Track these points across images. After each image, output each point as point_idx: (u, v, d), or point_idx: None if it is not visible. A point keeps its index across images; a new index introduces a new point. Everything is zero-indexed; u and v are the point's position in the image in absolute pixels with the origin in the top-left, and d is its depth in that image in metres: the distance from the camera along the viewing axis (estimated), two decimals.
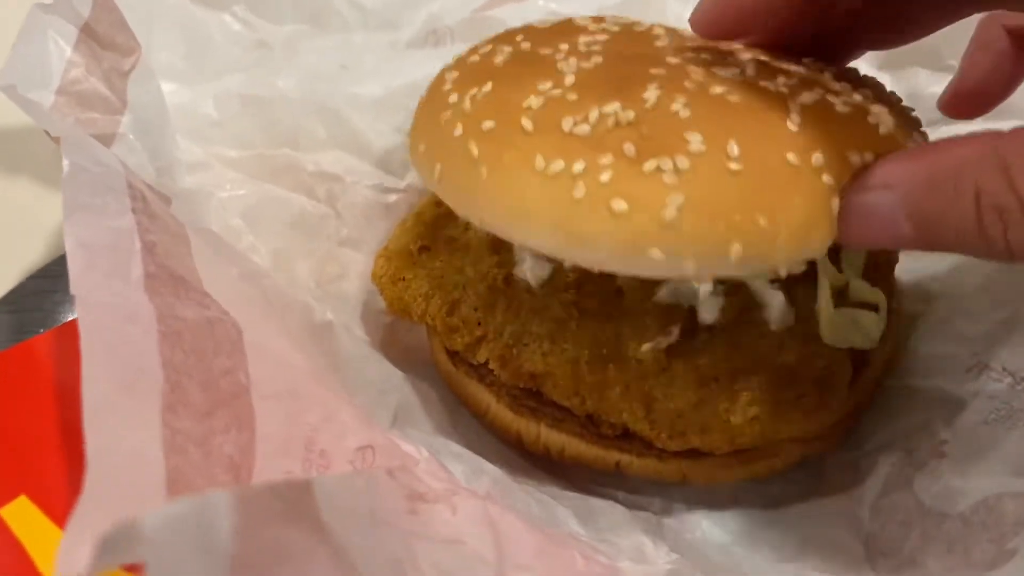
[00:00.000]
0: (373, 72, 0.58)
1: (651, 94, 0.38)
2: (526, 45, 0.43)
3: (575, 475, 0.45)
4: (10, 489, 0.33)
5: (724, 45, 0.43)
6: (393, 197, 0.54)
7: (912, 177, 0.33)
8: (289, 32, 0.60)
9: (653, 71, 0.39)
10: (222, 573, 0.21)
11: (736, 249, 0.35)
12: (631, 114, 0.37)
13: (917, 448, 0.42)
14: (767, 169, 0.36)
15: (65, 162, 0.35)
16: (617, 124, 0.37)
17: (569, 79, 0.39)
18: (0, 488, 0.33)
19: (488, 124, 0.39)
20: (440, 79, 0.45)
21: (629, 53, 0.42)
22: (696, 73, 0.39)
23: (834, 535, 0.42)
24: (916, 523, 0.39)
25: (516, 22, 0.59)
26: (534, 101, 0.39)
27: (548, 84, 0.39)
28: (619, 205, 0.36)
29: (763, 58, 0.42)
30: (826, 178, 0.36)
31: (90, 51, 0.46)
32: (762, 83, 0.39)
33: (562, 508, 0.41)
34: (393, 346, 0.49)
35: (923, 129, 0.43)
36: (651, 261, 0.36)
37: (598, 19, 0.47)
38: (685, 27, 0.45)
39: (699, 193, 0.35)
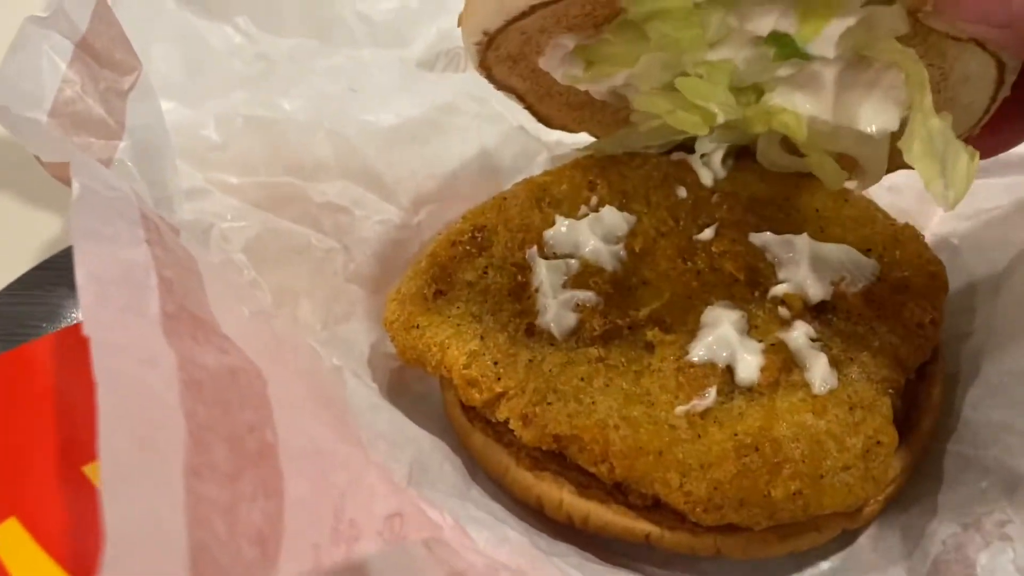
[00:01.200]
0: (385, 97, 0.56)
1: None
2: None
3: (600, 545, 0.43)
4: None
5: None
6: (405, 233, 0.52)
7: None
8: (294, 46, 0.58)
9: None
10: None
11: None
12: None
13: (976, 524, 0.40)
14: None
15: (75, 184, 0.33)
16: None
17: None
18: None
19: None
20: None
21: None
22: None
23: None
24: None
25: None
26: None
27: None
28: None
29: None
30: None
31: (87, 69, 0.44)
32: None
33: None
34: (403, 395, 0.47)
35: None
36: None
37: None
38: None
39: None
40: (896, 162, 0.42)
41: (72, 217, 0.30)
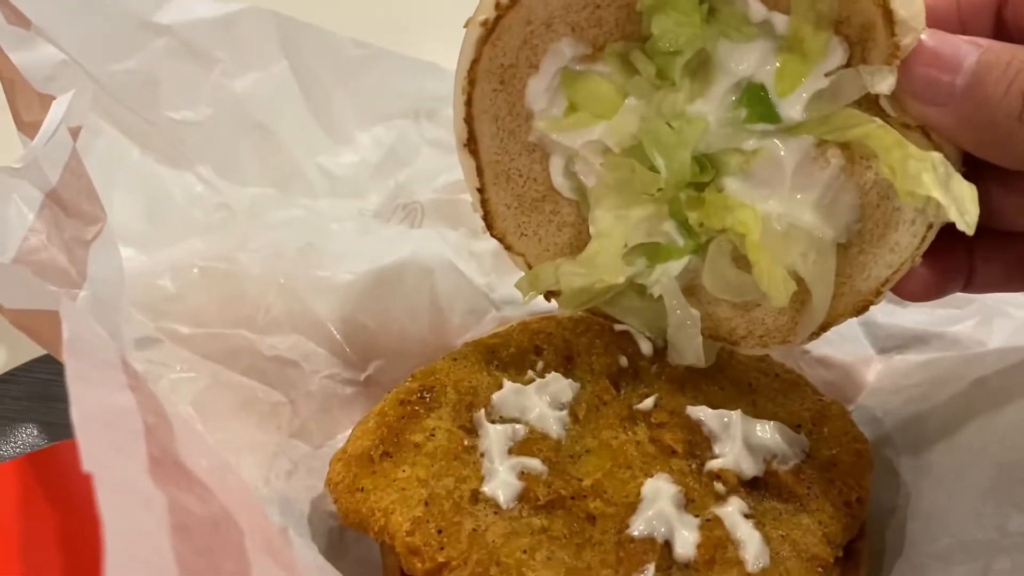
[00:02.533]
0: (340, 252, 0.58)
1: None
2: None
3: None
4: None
5: None
6: (351, 389, 0.54)
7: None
8: (254, 195, 0.61)
9: None
10: None
11: None
12: None
13: None
14: None
15: (65, 328, 0.35)
16: None
17: None
18: None
19: None
20: None
21: None
22: None
23: None
24: None
25: None
26: None
27: None
28: None
29: None
30: None
31: (53, 218, 0.46)
32: None
33: None
34: (343, 558, 0.48)
35: None
36: None
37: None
38: None
39: None
40: (837, 309, 0.46)
41: (66, 361, 0.32)
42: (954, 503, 0.49)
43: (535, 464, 0.46)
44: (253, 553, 0.33)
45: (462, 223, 0.63)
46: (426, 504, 0.45)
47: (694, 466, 0.48)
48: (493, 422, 0.48)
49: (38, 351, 0.58)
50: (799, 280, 0.45)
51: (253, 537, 0.34)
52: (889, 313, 0.60)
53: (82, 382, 0.32)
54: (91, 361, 0.34)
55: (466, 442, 0.48)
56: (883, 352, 0.59)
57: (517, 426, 0.48)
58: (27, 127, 0.50)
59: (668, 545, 0.44)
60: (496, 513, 0.45)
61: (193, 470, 0.34)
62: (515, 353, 0.52)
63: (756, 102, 0.45)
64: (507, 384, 0.50)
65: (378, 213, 0.64)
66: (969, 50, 0.38)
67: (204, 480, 0.34)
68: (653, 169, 0.46)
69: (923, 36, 0.39)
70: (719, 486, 0.47)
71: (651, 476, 0.47)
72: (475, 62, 0.45)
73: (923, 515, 0.50)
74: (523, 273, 0.50)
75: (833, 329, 0.53)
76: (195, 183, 0.59)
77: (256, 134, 0.61)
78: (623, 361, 0.52)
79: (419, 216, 0.64)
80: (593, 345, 0.53)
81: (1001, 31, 0.42)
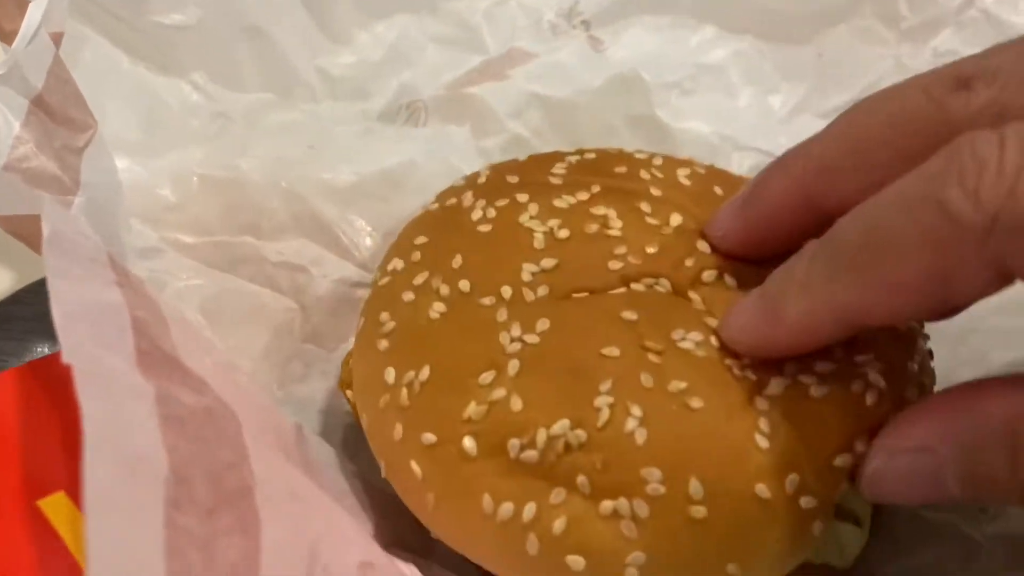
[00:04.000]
0: (343, 154, 0.58)
1: (603, 402, 0.37)
2: (464, 284, 0.42)
3: None
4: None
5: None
6: (362, 292, 0.54)
7: (956, 439, 0.33)
8: (251, 102, 0.60)
9: (605, 351, 0.38)
10: None
11: None
12: (582, 435, 0.37)
13: None
14: (734, 511, 0.36)
15: (45, 227, 0.35)
16: (568, 448, 0.37)
17: (512, 366, 0.39)
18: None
19: (429, 437, 0.39)
20: (373, 326, 0.44)
21: (579, 295, 0.41)
22: (655, 343, 0.39)
23: None
24: None
25: (496, 104, 0.61)
26: (475, 410, 0.38)
27: (490, 376, 0.39)
28: (576, 564, 0.36)
29: (730, 279, 0.42)
30: (804, 501, 0.37)
31: (41, 126, 0.45)
32: (728, 361, 0.38)
33: None
34: (357, 455, 0.48)
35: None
36: None
37: (550, 191, 0.45)
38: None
39: (661, 548, 0.36)
40: None
41: (46, 258, 0.32)
42: None
43: None
44: (252, 444, 0.33)
45: (467, 119, 0.62)
46: None
47: None
48: None
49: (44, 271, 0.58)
50: None
51: (254, 430, 0.34)
52: None
53: (64, 278, 0.32)
54: (75, 258, 0.34)
55: None
56: None
57: None
58: (8, 36, 0.49)
59: None
60: None
61: (188, 364, 0.34)
62: None
63: None
64: None
65: (382, 115, 0.63)
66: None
67: (200, 374, 0.34)
68: None
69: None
70: None
71: None
72: None
73: None
74: None
75: None
76: (190, 91, 0.58)
77: (250, 37, 0.60)
78: None
79: (423, 115, 0.63)
80: None
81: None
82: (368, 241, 0.55)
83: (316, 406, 0.50)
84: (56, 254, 0.33)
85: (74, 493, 0.33)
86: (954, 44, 0.59)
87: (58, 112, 0.47)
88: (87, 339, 0.29)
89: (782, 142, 0.61)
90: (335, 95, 0.63)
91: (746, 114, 0.62)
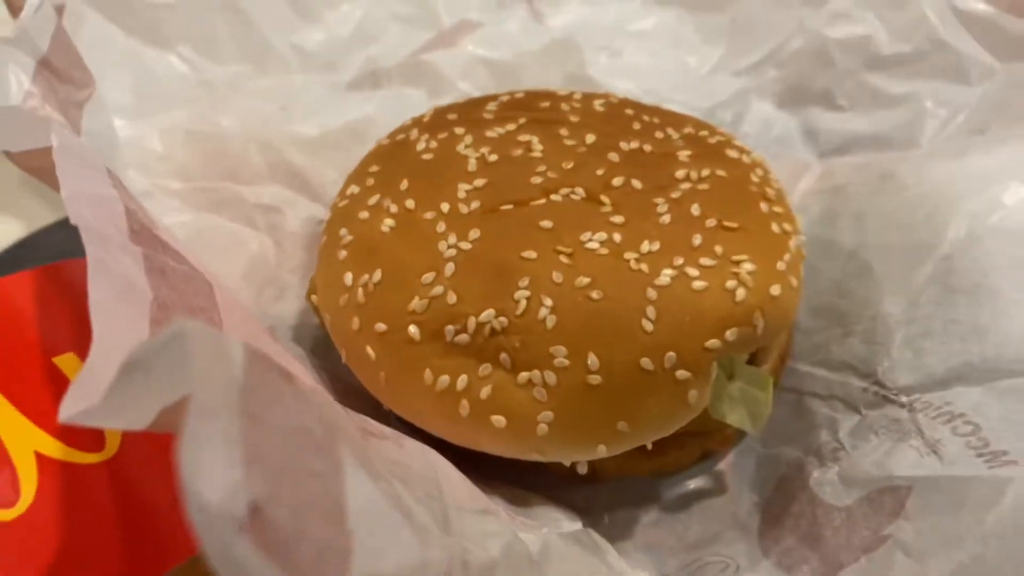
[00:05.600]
0: (312, 112, 0.66)
1: (521, 296, 0.45)
2: (409, 203, 0.50)
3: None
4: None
5: (607, 138, 0.51)
6: None
7: None
8: (232, 72, 0.68)
9: (525, 254, 0.46)
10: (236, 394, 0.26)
11: (601, 449, 0.45)
12: (504, 321, 0.45)
13: (814, 451, 0.50)
14: (622, 379, 0.44)
15: (55, 139, 0.42)
16: (493, 332, 0.45)
17: (449, 268, 0.47)
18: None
19: (380, 327, 0.47)
20: (334, 240, 0.52)
21: (506, 208, 0.49)
22: (566, 246, 0.47)
23: (730, 524, 0.49)
24: (807, 513, 0.47)
25: (448, 68, 0.69)
26: (418, 304, 0.46)
27: (431, 276, 0.47)
28: (499, 422, 0.45)
29: (637, 182, 0.50)
30: (680, 374, 0.45)
31: (47, 83, 0.53)
32: (627, 255, 0.46)
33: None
34: (327, 355, 0.56)
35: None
36: (532, 457, 0.46)
37: (483, 125, 0.54)
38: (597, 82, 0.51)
39: (565, 408, 0.44)
40: None
41: (56, 160, 0.40)
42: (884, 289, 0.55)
43: None
44: (223, 304, 0.40)
45: (423, 83, 0.70)
46: None
47: None
48: None
49: (52, 217, 0.66)
50: None
51: (228, 300, 0.42)
52: (828, 120, 0.66)
53: (70, 174, 0.39)
54: (79, 162, 0.41)
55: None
56: (823, 156, 0.65)
57: None
58: (16, 10, 0.57)
59: None
60: None
61: (171, 244, 0.41)
62: None
63: None
64: None
65: (350, 85, 0.71)
66: None
67: (182, 252, 0.42)
68: None
69: None
70: None
71: None
72: None
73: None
74: None
75: (778, 137, 0.60)
76: (176, 62, 0.66)
77: (229, 14, 0.68)
78: None
79: (387, 80, 0.71)
80: None
81: None
82: (333, 186, 0.63)
83: (288, 322, 0.58)
84: (64, 158, 0.40)
85: (82, 354, 0.41)
86: (847, 6, 0.67)
87: (62, 71, 0.55)
88: (88, 213, 0.37)
89: (700, 96, 0.69)
90: (307, 68, 0.71)
91: (668, 73, 0.70)
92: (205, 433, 0.20)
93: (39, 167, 0.51)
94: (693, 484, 0.52)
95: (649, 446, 0.46)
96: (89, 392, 0.28)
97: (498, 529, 0.30)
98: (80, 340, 0.41)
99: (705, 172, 0.50)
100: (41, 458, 0.36)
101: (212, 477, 0.20)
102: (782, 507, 0.49)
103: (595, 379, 0.44)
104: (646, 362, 0.44)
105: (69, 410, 0.28)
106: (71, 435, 0.37)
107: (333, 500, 0.23)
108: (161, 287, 0.36)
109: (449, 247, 0.47)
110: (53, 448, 0.36)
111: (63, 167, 0.39)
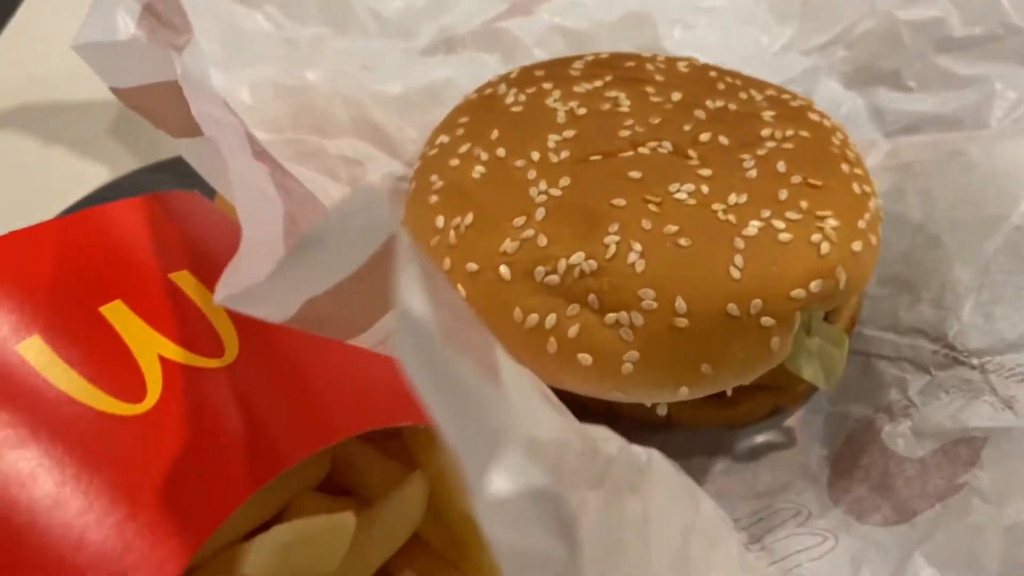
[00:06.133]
0: (393, 73, 0.68)
1: (611, 240, 0.47)
2: (500, 151, 0.52)
3: None
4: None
5: (693, 97, 0.52)
6: (406, 185, 0.63)
7: None
8: (313, 34, 0.70)
9: (615, 202, 0.48)
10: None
11: (683, 391, 0.46)
12: (594, 264, 0.46)
13: (884, 408, 0.51)
14: (709, 323, 0.46)
15: (178, 66, 0.45)
16: (582, 274, 0.46)
17: (539, 213, 0.48)
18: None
19: (472, 266, 0.49)
20: (424, 186, 0.53)
21: (595, 158, 0.51)
22: (654, 196, 0.48)
23: (799, 475, 0.50)
24: (878, 464, 0.48)
25: (524, 35, 0.70)
26: (509, 245, 0.48)
27: (522, 220, 0.48)
28: (585, 360, 0.46)
29: (723, 138, 0.51)
30: (765, 320, 0.46)
31: (151, 27, 0.55)
32: (715, 206, 0.48)
33: None
34: None
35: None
36: (614, 397, 0.47)
37: (571, 81, 0.55)
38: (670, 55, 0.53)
39: (650, 349, 0.46)
40: None
41: (182, 84, 0.42)
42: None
43: None
44: None
45: (498, 49, 0.71)
46: None
47: None
48: None
49: (137, 164, 0.68)
50: None
51: None
52: (895, 100, 0.67)
53: (193, 97, 0.41)
54: (199, 90, 0.43)
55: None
56: (889, 135, 0.66)
57: None
58: None
59: None
60: None
61: (290, 170, 0.43)
62: None
63: None
64: None
65: (424, 51, 0.73)
66: None
67: (300, 178, 0.43)
68: None
69: None
70: None
71: None
72: None
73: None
74: None
75: (845, 116, 0.61)
76: (263, 20, 0.68)
77: None
78: None
79: (460, 46, 0.72)
80: None
81: None
82: (412, 144, 0.65)
83: None
84: (186, 83, 0.42)
85: (197, 272, 0.42)
86: None
87: (164, 17, 0.57)
88: (215, 132, 0.39)
89: (769, 74, 0.70)
90: (385, 33, 0.73)
91: (739, 49, 0.71)
92: (406, 267, 0.22)
93: (142, 104, 0.53)
94: (763, 437, 0.53)
95: (729, 392, 0.48)
96: (240, 280, 0.30)
97: (610, 434, 0.31)
98: (193, 259, 0.42)
99: (789, 132, 0.51)
100: (165, 361, 0.37)
101: (413, 295, 0.21)
102: (852, 459, 0.50)
103: (682, 322, 0.45)
104: (732, 308, 0.45)
105: (222, 293, 0.29)
106: (192, 341, 0.38)
107: (491, 367, 0.24)
108: (288, 202, 0.38)
109: (540, 193, 0.49)
110: (176, 353, 0.38)
111: (189, 91, 0.41)
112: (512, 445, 0.20)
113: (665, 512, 0.32)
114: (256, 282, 0.29)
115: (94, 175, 0.69)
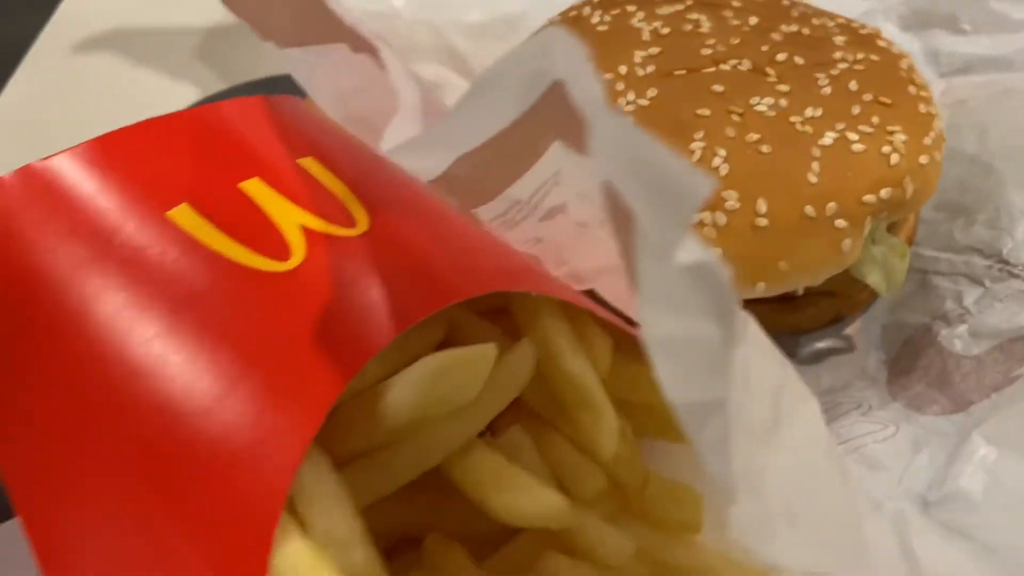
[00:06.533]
0: (472, 3, 0.71)
1: (696, 146, 0.50)
2: None
3: None
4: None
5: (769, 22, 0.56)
6: None
7: None
8: None
9: (699, 112, 0.52)
10: None
11: (761, 286, 0.50)
12: None
13: (941, 316, 0.55)
14: (787, 223, 0.49)
15: None
16: None
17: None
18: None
19: None
20: None
21: (679, 73, 0.54)
22: (737, 107, 0.52)
23: (859, 376, 0.54)
24: (935, 364, 0.52)
25: None
26: None
27: None
28: None
29: (799, 59, 0.54)
30: (839, 222, 0.50)
31: None
32: (792, 119, 0.51)
33: None
34: None
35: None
36: None
37: (653, 4, 0.59)
38: None
39: (732, 246, 0.49)
40: None
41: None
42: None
43: None
44: None
45: None
46: None
47: None
48: None
49: (223, 86, 0.72)
50: None
51: None
52: (950, 43, 0.70)
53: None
54: None
55: None
56: (944, 76, 0.70)
57: None
58: None
59: None
60: None
61: None
62: None
63: None
64: None
65: None
66: None
67: None
68: None
69: None
70: None
71: None
72: None
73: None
74: None
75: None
76: None
77: None
78: None
79: None
80: None
81: None
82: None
83: None
84: None
85: (323, 160, 0.46)
86: None
87: None
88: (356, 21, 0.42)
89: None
90: None
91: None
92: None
93: (245, 9, 0.57)
94: (824, 343, 0.57)
95: (800, 291, 0.51)
96: (402, 135, 0.33)
97: None
98: (316, 150, 0.46)
99: (860, 56, 0.55)
100: (307, 229, 0.41)
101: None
102: (910, 361, 0.53)
103: (762, 222, 0.49)
104: (809, 209, 0.49)
105: (388, 145, 0.33)
106: (328, 214, 0.42)
107: None
108: (420, 85, 0.41)
109: (628, 103, 0.52)
110: (315, 223, 0.41)
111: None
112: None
113: (760, 364, 0.35)
114: (418, 135, 0.32)
115: (183, 95, 0.73)
